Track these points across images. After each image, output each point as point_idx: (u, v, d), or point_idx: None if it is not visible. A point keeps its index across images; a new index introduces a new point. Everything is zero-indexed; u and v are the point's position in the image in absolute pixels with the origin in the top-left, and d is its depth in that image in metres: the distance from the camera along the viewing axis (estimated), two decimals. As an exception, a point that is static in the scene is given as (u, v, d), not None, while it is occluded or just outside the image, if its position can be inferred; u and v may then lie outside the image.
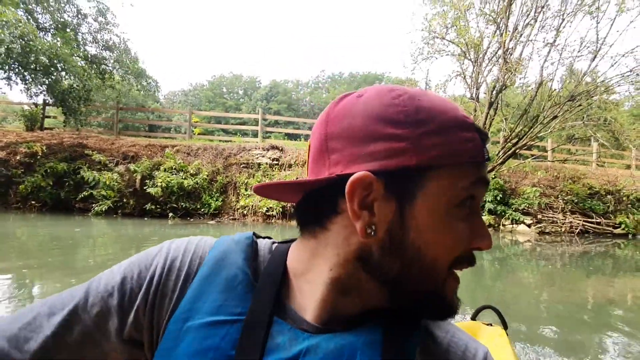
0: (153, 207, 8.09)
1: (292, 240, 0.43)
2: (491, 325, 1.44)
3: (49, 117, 11.85)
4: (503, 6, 9.64)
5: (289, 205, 8.28)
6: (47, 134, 10.58)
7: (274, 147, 9.60)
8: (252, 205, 8.41)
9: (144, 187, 7.98)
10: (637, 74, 7.45)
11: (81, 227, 7.31)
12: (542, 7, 8.72)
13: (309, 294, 0.38)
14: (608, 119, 9.75)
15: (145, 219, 8.15)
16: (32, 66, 7.16)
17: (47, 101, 8.82)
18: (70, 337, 0.37)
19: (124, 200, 8.22)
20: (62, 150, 9.34)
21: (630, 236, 10.10)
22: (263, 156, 9.39)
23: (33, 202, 8.71)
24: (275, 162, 9.36)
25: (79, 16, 10.86)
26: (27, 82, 7.78)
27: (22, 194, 8.54)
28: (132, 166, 8.19)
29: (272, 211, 8.22)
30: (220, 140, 11.56)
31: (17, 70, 7.47)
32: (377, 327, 0.37)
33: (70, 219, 8.08)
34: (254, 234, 0.44)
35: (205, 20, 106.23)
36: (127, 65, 11.65)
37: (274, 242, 0.44)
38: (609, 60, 8.21)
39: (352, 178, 0.33)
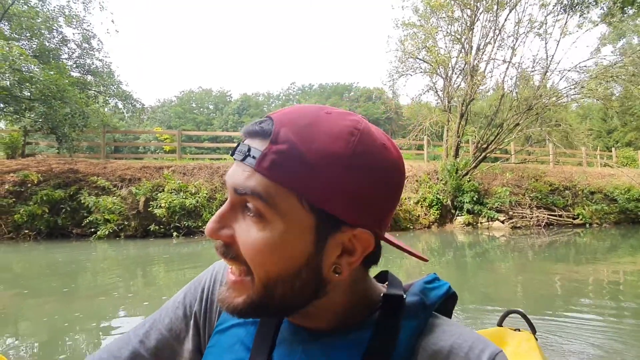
0: (157, 227, 8.30)
1: None
2: (519, 330, 1.40)
3: (29, 143, 11.65)
4: (466, 27, 10.87)
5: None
6: (33, 161, 10.41)
7: (267, 163, 10.09)
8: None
9: (148, 209, 8.18)
10: (582, 86, 8.76)
11: (92, 251, 7.43)
12: (500, 29, 9.98)
13: None
14: (560, 122, 11.12)
15: (151, 239, 8.34)
16: (30, 96, 7.26)
17: (38, 129, 8.80)
18: (149, 344, 0.48)
19: (126, 222, 8.37)
20: (53, 177, 9.30)
21: (587, 225, 11.48)
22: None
23: (27, 231, 8.61)
24: (269, 177, 9.83)
25: (64, 42, 10.91)
26: (21, 112, 7.82)
27: (17, 223, 8.43)
28: (133, 189, 8.37)
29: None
30: (210, 159, 11.86)
31: (9, 100, 7.52)
32: (370, 327, 0.40)
33: (69, 244, 8.11)
34: None
35: (171, 35, 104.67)
36: (113, 89, 11.75)
37: None
38: (558, 74, 9.57)
39: None
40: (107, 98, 12.14)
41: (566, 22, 8.61)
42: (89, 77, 11.89)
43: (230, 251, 0.36)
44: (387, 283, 0.44)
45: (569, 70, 8.97)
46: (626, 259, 7.03)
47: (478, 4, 10.10)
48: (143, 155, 14.96)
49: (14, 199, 8.75)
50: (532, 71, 9.76)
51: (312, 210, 0.34)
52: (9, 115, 7.56)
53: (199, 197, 8.81)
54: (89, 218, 8.21)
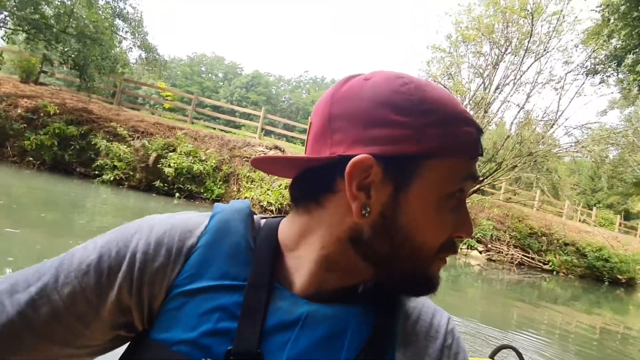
0: (161, 185, 8.56)
1: (280, 217, 0.46)
2: None
3: (45, 72, 11.60)
4: (490, 64, 11.37)
5: (286, 202, 9.16)
6: (47, 91, 10.43)
7: (276, 147, 10.41)
8: (253, 197, 9.18)
9: (157, 165, 8.42)
10: (582, 146, 9.39)
11: (94, 192, 7.68)
12: (522, 74, 10.50)
13: (296, 270, 0.41)
14: (551, 171, 11.74)
15: (153, 194, 8.59)
16: (64, 29, 7.37)
17: (62, 62, 8.85)
18: (38, 318, 0.36)
19: (131, 173, 8.59)
20: (66, 112, 9.37)
21: (554, 272, 12.26)
22: (265, 154, 10.15)
23: (31, 159, 8.72)
24: (275, 161, 10.14)
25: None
26: (51, 42, 7.91)
27: (24, 149, 8.55)
28: (146, 142, 8.59)
29: (271, 206, 9.04)
30: (222, 130, 12.08)
31: (43, 29, 7.59)
32: (369, 303, 0.41)
33: (70, 181, 8.29)
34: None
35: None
36: (140, 38, 11.79)
37: (263, 217, 0.46)
38: (564, 129, 10.18)
39: (353, 160, 0.35)
40: (131, 46, 12.16)
41: (583, 83, 9.23)
42: (118, 21, 11.88)
43: None
44: None
45: (574, 128, 9.62)
46: (582, 310, 7.70)
47: (507, 45, 10.59)
48: (140, 107, 14.93)
49: (24, 125, 8.82)
50: (541, 120, 10.36)
51: None
52: (40, 42, 7.63)
53: (207, 165, 9.10)
54: (99, 161, 8.39)
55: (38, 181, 7.68)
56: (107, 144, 8.51)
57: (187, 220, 0.42)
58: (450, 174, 0.37)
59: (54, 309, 0.36)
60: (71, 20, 7.12)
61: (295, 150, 10.81)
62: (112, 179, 8.35)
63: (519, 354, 1.41)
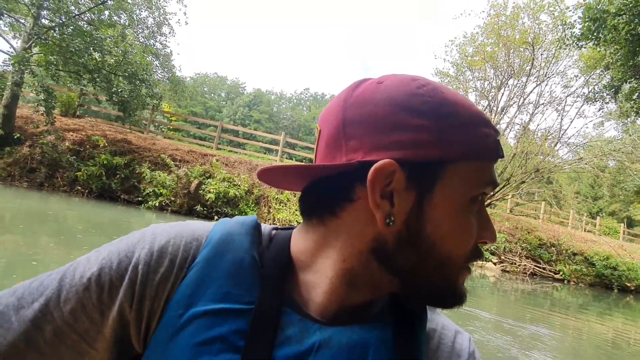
0: (201, 209, 9.30)
1: (291, 228, 0.43)
2: None
3: (82, 106, 12.51)
4: (495, 87, 12.27)
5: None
6: (87, 123, 11.29)
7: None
8: (281, 219, 9.89)
9: (199, 191, 9.18)
10: (586, 163, 10.17)
11: (139, 217, 8.38)
12: (525, 97, 11.39)
13: (314, 287, 0.38)
14: (552, 181, 12.44)
15: (195, 218, 9.31)
16: (114, 72, 8.26)
17: (108, 99, 9.72)
18: (42, 337, 0.34)
19: (173, 198, 9.34)
20: (109, 144, 10.20)
21: (565, 282, 12.85)
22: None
23: (79, 187, 9.48)
24: (300, 183, 10.89)
25: (136, 23, 11.86)
26: (99, 83, 8.78)
27: (72, 179, 9.32)
28: (187, 170, 9.38)
29: (301, 226, 9.75)
30: (245, 154, 12.87)
31: (94, 72, 8.46)
32: (388, 323, 0.38)
33: (115, 207, 9.01)
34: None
35: (196, 13, 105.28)
36: (170, 72, 12.73)
37: (274, 228, 0.43)
38: (567, 146, 11.00)
39: (375, 165, 0.33)
40: (160, 78, 13.10)
41: (582, 105, 10.10)
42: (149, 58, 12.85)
43: None
44: None
45: (577, 147, 10.43)
46: (593, 318, 8.28)
47: (510, 71, 11.51)
48: (143, 129, 15.78)
49: (73, 157, 9.62)
50: (546, 139, 11.16)
51: None
52: (88, 83, 8.51)
53: (240, 189, 9.86)
54: (147, 190, 9.15)
55: (85, 208, 8.41)
56: (152, 173, 9.28)
57: (194, 229, 0.40)
58: (473, 178, 0.36)
59: (57, 327, 0.34)
60: (124, 64, 7.99)
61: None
62: (156, 204, 9.08)
63: None
